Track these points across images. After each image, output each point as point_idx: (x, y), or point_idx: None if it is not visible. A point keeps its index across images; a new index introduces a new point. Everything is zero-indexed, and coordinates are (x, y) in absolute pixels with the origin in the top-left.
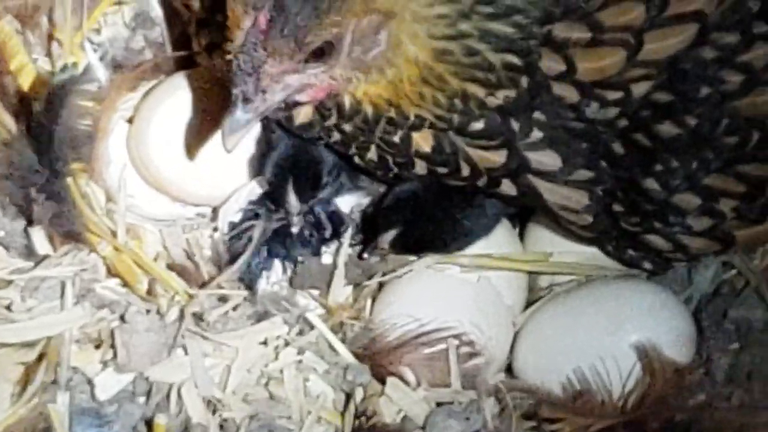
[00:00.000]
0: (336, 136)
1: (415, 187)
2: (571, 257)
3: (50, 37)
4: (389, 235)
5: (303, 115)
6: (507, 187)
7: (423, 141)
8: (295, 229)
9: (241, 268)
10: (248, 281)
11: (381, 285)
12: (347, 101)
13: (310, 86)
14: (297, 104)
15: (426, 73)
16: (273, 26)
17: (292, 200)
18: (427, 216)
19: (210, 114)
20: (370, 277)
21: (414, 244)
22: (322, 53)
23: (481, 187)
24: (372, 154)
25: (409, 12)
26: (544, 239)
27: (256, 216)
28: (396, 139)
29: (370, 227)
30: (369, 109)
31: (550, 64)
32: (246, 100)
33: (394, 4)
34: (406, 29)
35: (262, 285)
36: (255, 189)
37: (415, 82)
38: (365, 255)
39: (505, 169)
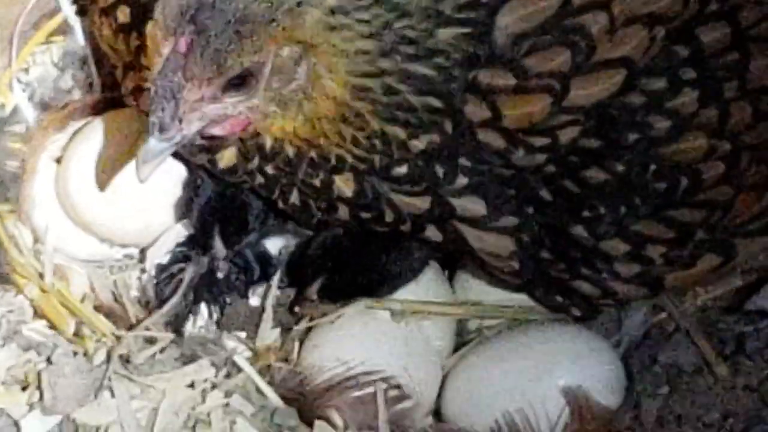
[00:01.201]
0: (259, 179)
1: (339, 234)
2: (501, 301)
3: None
4: (316, 285)
5: (226, 158)
6: (432, 233)
7: (345, 185)
8: (220, 274)
9: (168, 312)
10: (175, 324)
11: (309, 328)
12: (268, 142)
13: (227, 117)
14: (218, 146)
15: (344, 111)
16: (193, 49)
17: (218, 245)
18: (352, 262)
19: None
20: (298, 321)
21: (342, 291)
22: (241, 83)
23: (405, 233)
24: (294, 198)
25: (330, 45)
26: (474, 283)
27: (185, 259)
28: (317, 182)
29: (297, 278)
30: (290, 150)
31: (475, 110)
32: (162, 129)
33: (316, 36)
34: (325, 62)
35: (189, 328)
36: (182, 231)
37: (333, 119)
38: (296, 309)
39: (429, 215)
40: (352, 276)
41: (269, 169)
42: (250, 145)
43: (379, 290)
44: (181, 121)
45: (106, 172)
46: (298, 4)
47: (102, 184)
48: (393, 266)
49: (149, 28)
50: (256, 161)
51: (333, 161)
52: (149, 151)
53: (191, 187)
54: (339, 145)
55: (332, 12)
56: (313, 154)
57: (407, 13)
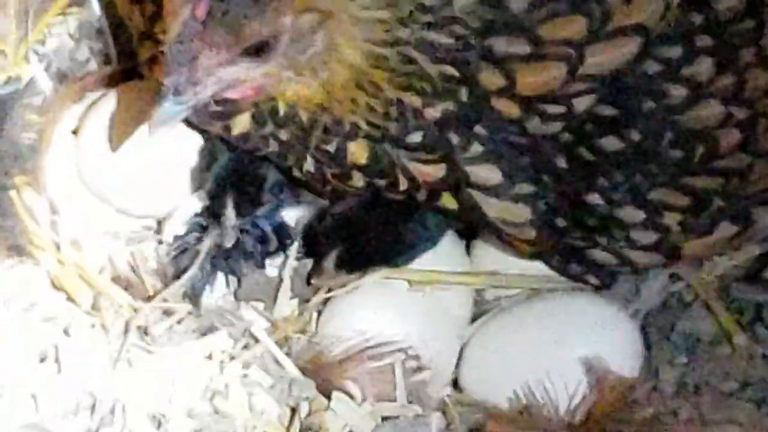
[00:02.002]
0: (273, 145)
1: (354, 204)
2: (519, 271)
3: None
4: (333, 256)
5: (241, 125)
6: (448, 201)
7: (359, 151)
8: (228, 243)
9: (186, 282)
10: (192, 295)
11: (327, 299)
12: (282, 107)
13: (242, 82)
14: (232, 112)
15: (360, 78)
16: (212, 16)
17: (230, 214)
18: (368, 232)
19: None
20: (316, 292)
21: (358, 261)
22: (258, 50)
23: (421, 201)
24: (309, 165)
25: (347, 14)
26: (491, 253)
27: (202, 229)
28: (331, 148)
29: (313, 249)
30: (304, 116)
31: (491, 78)
32: (177, 92)
33: (333, 5)
34: (342, 31)
35: (207, 299)
36: (199, 201)
37: (348, 86)
38: (313, 280)
39: (444, 183)
40: (369, 246)
41: (283, 135)
42: (264, 111)
43: (396, 260)
44: (196, 84)
45: (119, 134)
46: None
47: (115, 146)
48: (410, 235)
49: None
50: (270, 127)
51: (347, 128)
52: (164, 114)
53: (207, 155)
54: (353, 112)
55: None
56: (327, 120)
57: None
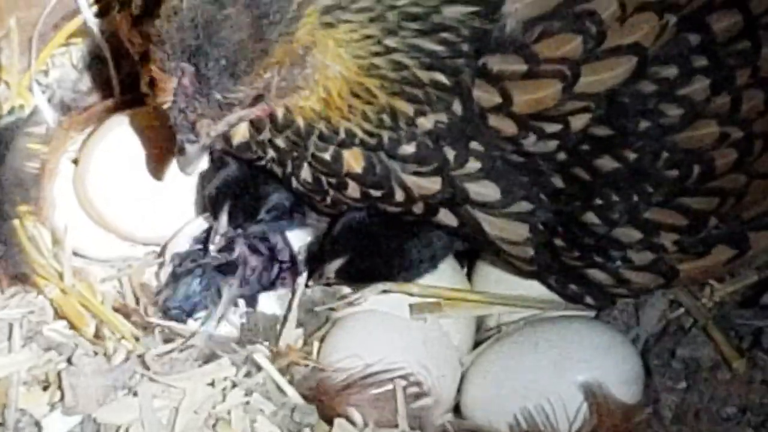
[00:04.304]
0: (271, 152)
1: (363, 217)
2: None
3: None
4: (335, 264)
5: (240, 134)
6: (446, 217)
7: (354, 160)
8: (213, 248)
9: (187, 307)
10: (195, 320)
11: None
12: (279, 113)
13: (245, 117)
14: None
15: (354, 87)
16: (196, 94)
17: (223, 221)
18: (373, 246)
19: (154, 151)
20: (322, 324)
21: (360, 273)
22: (253, 101)
23: (420, 215)
24: (306, 173)
25: (332, 39)
26: (491, 280)
27: (204, 250)
28: (327, 156)
29: (315, 256)
30: (301, 122)
31: (486, 96)
32: (191, 141)
33: (314, 35)
34: (330, 55)
35: (210, 324)
36: (202, 225)
37: (344, 95)
38: (310, 283)
39: (440, 197)
40: (372, 259)
41: (280, 142)
42: (262, 118)
43: (397, 276)
44: (203, 135)
45: (156, 165)
46: (291, 20)
47: (160, 175)
48: (414, 253)
49: (152, 65)
50: (267, 133)
51: (342, 135)
52: (186, 159)
53: (218, 161)
54: (348, 119)
55: (327, 11)
56: (323, 126)
57: None
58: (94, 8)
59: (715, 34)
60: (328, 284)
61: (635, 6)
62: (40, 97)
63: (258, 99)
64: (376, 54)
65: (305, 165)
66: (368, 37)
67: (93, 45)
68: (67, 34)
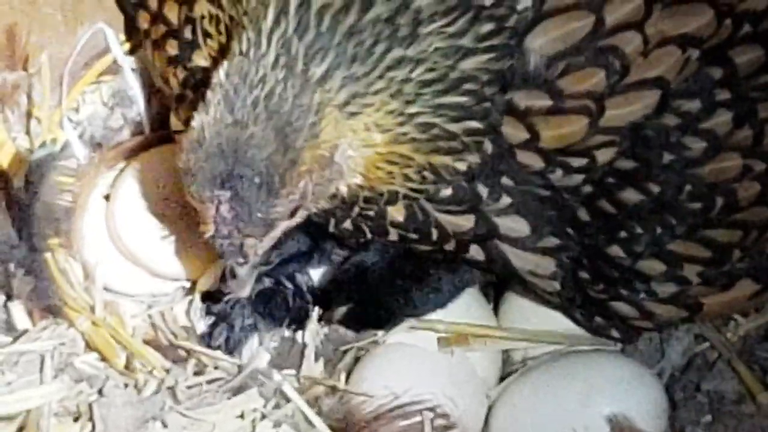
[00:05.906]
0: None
1: (366, 262)
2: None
3: (29, 115)
4: (340, 311)
5: None
6: (476, 253)
7: (396, 212)
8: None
9: (219, 341)
10: (226, 352)
11: (357, 358)
12: None
13: (291, 225)
14: None
15: (389, 156)
16: (237, 217)
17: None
18: (375, 293)
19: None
20: (342, 355)
21: (364, 320)
22: (292, 213)
23: (451, 252)
24: (348, 224)
25: (354, 129)
26: (517, 313)
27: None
28: (371, 212)
29: (323, 299)
30: (345, 192)
31: (514, 132)
32: (240, 264)
33: (338, 129)
34: (356, 144)
35: (242, 356)
36: None
37: (381, 165)
38: (321, 323)
39: (473, 234)
40: (374, 307)
41: (325, 205)
42: None
43: (420, 307)
44: (250, 255)
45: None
46: (312, 124)
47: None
48: (416, 299)
49: (187, 197)
50: None
51: (386, 196)
52: (239, 281)
53: None
54: (390, 183)
55: (347, 104)
56: (366, 192)
57: (422, 61)
58: (125, 46)
59: (738, 68)
60: (335, 326)
61: (658, 40)
62: (71, 132)
63: (297, 208)
64: (401, 124)
65: (348, 220)
66: (389, 112)
67: (123, 83)
68: (98, 72)
